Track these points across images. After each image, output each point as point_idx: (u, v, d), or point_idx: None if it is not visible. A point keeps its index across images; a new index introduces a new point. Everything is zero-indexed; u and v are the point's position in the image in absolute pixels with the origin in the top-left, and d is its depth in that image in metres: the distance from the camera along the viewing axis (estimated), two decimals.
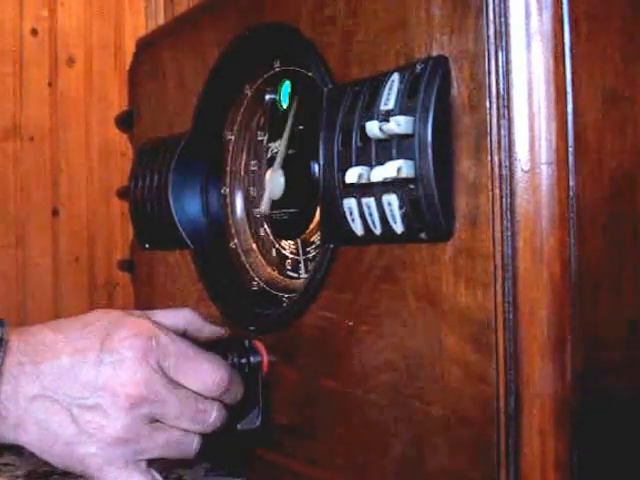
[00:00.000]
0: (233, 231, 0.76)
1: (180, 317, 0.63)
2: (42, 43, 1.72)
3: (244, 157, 0.76)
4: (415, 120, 0.49)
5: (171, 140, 0.78)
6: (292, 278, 0.69)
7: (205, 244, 0.76)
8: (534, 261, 0.46)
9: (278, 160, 0.68)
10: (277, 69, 0.70)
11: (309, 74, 0.64)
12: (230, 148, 0.76)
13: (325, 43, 0.59)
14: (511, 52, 0.46)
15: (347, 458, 0.58)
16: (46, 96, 1.72)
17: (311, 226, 0.66)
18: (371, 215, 0.53)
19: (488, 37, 0.47)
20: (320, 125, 0.57)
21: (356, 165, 0.53)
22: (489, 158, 0.47)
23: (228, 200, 0.76)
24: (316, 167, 0.62)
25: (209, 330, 0.64)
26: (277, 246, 0.71)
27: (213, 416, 0.58)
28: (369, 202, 0.52)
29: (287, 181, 0.68)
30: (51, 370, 0.55)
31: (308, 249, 0.67)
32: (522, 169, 0.46)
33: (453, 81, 0.49)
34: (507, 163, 0.46)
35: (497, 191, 0.47)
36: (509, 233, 0.46)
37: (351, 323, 0.57)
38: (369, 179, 0.52)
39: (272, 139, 0.71)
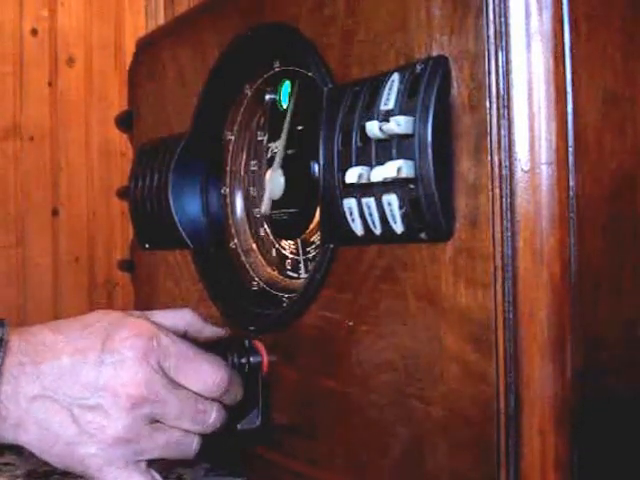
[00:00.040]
0: (233, 231, 0.76)
1: (180, 318, 0.63)
2: (42, 43, 1.72)
3: (244, 157, 0.76)
4: (415, 120, 0.49)
5: (171, 140, 0.78)
6: (292, 278, 0.69)
7: (205, 244, 0.76)
8: (534, 261, 0.46)
9: (277, 160, 0.68)
10: (277, 69, 0.70)
11: (309, 74, 0.64)
12: (230, 148, 0.76)
13: (325, 43, 0.59)
14: (511, 52, 0.46)
15: (347, 458, 0.58)
16: (46, 96, 1.72)
17: (311, 226, 0.66)
18: (371, 215, 0.53)
19: (488, 37, 0.47)
20: (320, 125, 0.57)
21: (356, 165, 0.53)
22: (489, 158, 0.47)
23: (228, 200, 0.76)
24: (316, 167, 0.62)
25: (209, 331, 0.64)
26: (277, 246, 0.71)
27: (213, 417, 0.59)
28: (369, 202, 0.52)
29: (287, 181, 0.68)
30: (51, 370, 0.55)
31: (308, 249, 0.67)
32: (522, 169, 0.46)
33: (453, 81, 0.49)
34: (507, 163, 0.46)
35: (497, 191, 0.47)
36: (509, 233, 0.46)
37: (351, 323, 0.57)
38: (369, 179, 0.52)
39: (272, 139, 0.71)
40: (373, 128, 0.51)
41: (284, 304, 0.67)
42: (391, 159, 0.50)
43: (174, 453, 0.58)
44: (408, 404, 0.52)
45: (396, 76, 0.52)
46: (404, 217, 0.50)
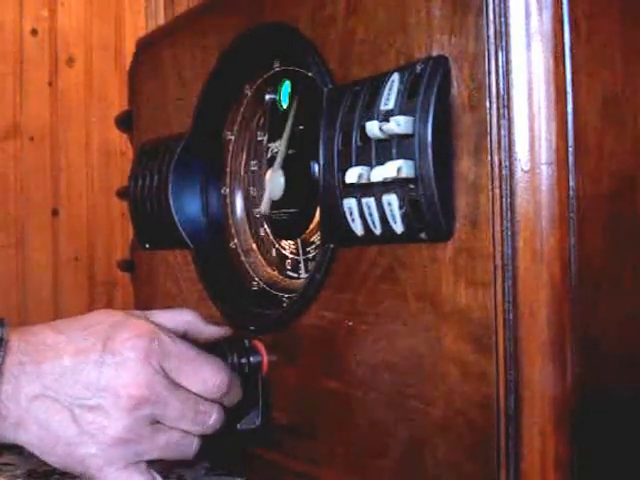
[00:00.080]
0: (233, 231, 0.76)
1: (180, 318, 0.63)
2: (42, 43, 1.72)
3: (244, 157, 0.76)
4: (415, 120, 0.49)
5: (171, 140, 0.78)
6: (292, 278, 0.69)
7: (205, 244, 0.76)
8: (534, 261, 0.46)
9: (278, 160, 0.68)
10: (277, 69, 0.70)
11: (309, 74, 0.64)
12: (230, 148, 0.76)
13: (325, 43, 0.59)
14: (511, 52, 0.46)
15: (347, 458, 0.58)
16: (46, 96, 1.72)
17: (311, 226, 0.66)
18: (371, 215, 0.53)
19: (488, 37, 0.47)
20: (320, 125, 0.57)
21: (356, 165, 0.53)
22: (489, 158, 0.47)
23: (228, 200, 0.76)
24: (316, 167, 0.62)
25: (210, 331, 0.64)
26: (277, 246, 0.71)
27: (213, 418, 0.59)
28: (369, 202, 0.52)
29: (287, 181, 0.68)
30: (52, 370, 0.55)
31: (308, 249, 0.67)
32: (522, 169, 0.46)
33: (453, 81, 0.49)
34: (507, 163, 0.46)
35: (497, 191, 0.47)
36: (509, 233, 0.46)
37: (351, 323, 0.57)
38: (369, 179, 0.52)
39: (272, 139, 0.71)
40: (373, 128, 0.51)
41: (284, 304, 0.67)
42: (391, 159, 0.50)
43: (174, 454, 0.58)
44: (408, 404, 0.52)
45: (396, 76, 0.52)
46: (404, 217, 0.50)
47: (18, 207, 1.68)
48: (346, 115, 0.55)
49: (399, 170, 0.49)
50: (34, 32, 1.71)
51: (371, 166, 0.52)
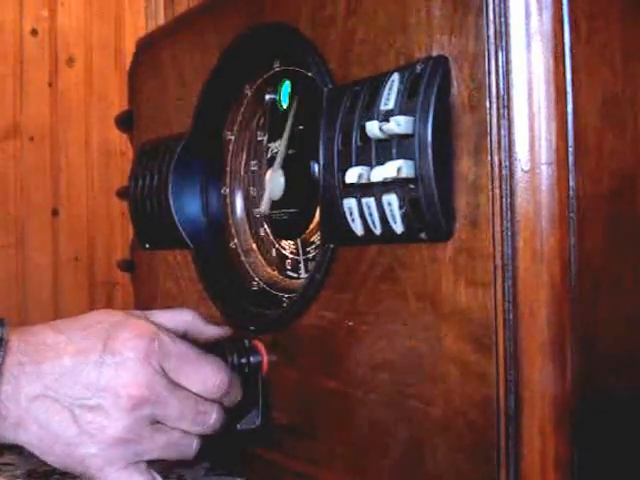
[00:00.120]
0: (233, 231, 0.76)
1: (180, 318, 0.63)
2: (42, 43, 1.72)
3: (244, 157, 0.76)
4: (415, 120, 0.49)
5: (171, 140, 0.78)
6: (292, 278, 0.69)
7: (205, 244, 0.76)
8: (534, 261, 0.46)
9: (278, 160, 0.68)
10: (277, 69, 0.70)
11: (309, 74, 0.64)
12: (230, 148, 0.76)
13: (325, 43, 0.59)
14: (511, 52, 0.46)
15: (347, 458, 0.58)
16: (46, 96, 1.72)
17: (311, 226, 0.66)
18: (371, 215, 0.53)
19: (488, 37, 0.47)
20: (320, 125, 0.57)
21: (356, 165, 0.53)
22: (489, 158, 0.47)
23: (228, 200, 0.76)
24: (316, 167, 0.62)
25: (210, 331, 0.64)
26: (277, 246, 0.71)
27: (213, 418, 0.59)
28: (369, 202, 0.52)
29: (287, 181, 0.68)
30: (52, 370, 0.55)
31: (308, 249, 0.67)
32: (522, 169, 0.46)
33: (453, 81, 0.49)
34: (507, 163, 0.46)
35: (497, 191, 0.47)
36: (509, 233, 0.46)
37: (351, 323, 0.57)
38: (369, 179, 0.52)
39: (272, 139, 0.71)
40: (373, 128, 0.51)
41: (284, 304, 0.67)
42: (391, 159, 0.50)
43: (174, 454, 0.58)
44: (408, 404, 0.52)
45: (396, 76, 0.52)
46: (404, 217, 0.50)
47: (18, 207, 1.68)
48: (346, 115, 0.55)
49: (399, 170, 0.49)
50: (34, 32, 1.71)
51: (371, 166, 0.52)
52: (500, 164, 0.46)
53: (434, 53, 0.50)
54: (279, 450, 0.64)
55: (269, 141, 0.72)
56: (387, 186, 0.51)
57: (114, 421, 0.55)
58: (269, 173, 0.69)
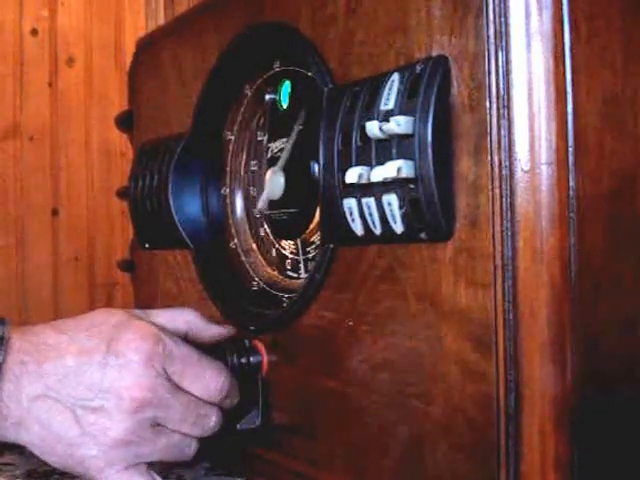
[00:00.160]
0: (233, 231, 0.76)
1: (181, 318, 0.63)
2: (42, 43, 1.72)
3: (244, 157, 0.76)
4: (415, 120, 0.49)
5: (171, 140, 0.78)
6: (292, 278, 0.69)
7: (205, 244, 0.76)
8: (534, 261, 0.46)
9: (281, 162, 0.68)
10: (277, 69, 0.70)
11: (309, 74, 0.64)
12: (230, 148, 0.76)
13: (325, 43, 0.59)
14: (511, 52, 0.46)
15: (347, 458, 0.58)
16: (46, 96, 1.72)
17: (311, 226, 0.66)
18: (371, 215, 0.53)
19: (488, 37, 0.47)
20: (320, 125, 0.57)
21: (356, 165, 0.53)
22: (489, 158, 0.47)
23: (228, 200, 0.76)
24: (316, 167, 0.62)
25: (211, 333, 0.64)
26: (277, 246, 0.71)
27: (213, 421, 0.59)
28: (369, 202, 0.52)
29: (287, 181, 0.68)
30: (55, 370, 0.55)
31: (308, 249, 0.67)
32: (522, 169, 0.46)
33: (453, 81, 0.49)
34: (507, 163, 0.46)
35: (497, 191, 0.47)
36: (509, 233, 0.46)
37: (351, 323, 0.57)
38: (369, 179, 0.52)
39: (272, 139, 0.71)
40: (373, 128, 0.51)
41: (284, 304, 0.67)
42: (391, 159, 0.50)
43: (173, 455, 0.58)
44: (408, 404, 0.52)
45: (396, 76, 0.52)
46: (404, 217, 0.50)
47: (18, 207, 1.68)
48: (346, 115, 0.55)
49: (399, 170, 0.49)
50: (34, 32, 1.71)
51: (371, 166, 0.52)
52: (500, 164, 0.46)
53: (434, 53, 0.50)
54: (279, 450, 0.64)
55: (269, 141, 0.72)
56: (387, 186, 0.51)
57: (116, 423, 0.55)
58: (269, 173, 0.69)
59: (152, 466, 0.58)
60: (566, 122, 0.46)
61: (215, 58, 0.73)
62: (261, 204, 0.70)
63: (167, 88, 0.81)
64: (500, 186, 0.46)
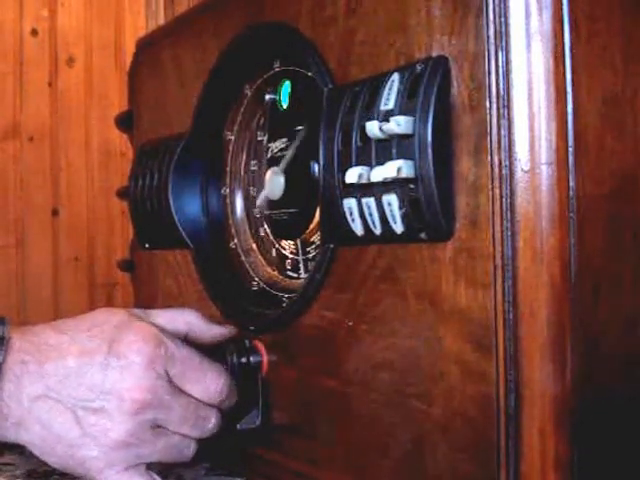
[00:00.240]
0: (233, 231, 0.76)
1: (182, 318, 0.63)
2: (42, 43, 1.72)
3: (244, 157, 0.76)
4: (415, 120, 0.49)
5: (171, 140, 0.78)
6: (292, 278, 0.69)
7: (205, 244, 0.76)
8: (534, 261, 0.46)
9: (282, 165, 0.68)
10: (277, 69, 0.70)
11: (309, 74, 0.64)
12: (230, 148, 0.76)
13: (325, 43, 0.59)
14: (511, 52, 0.46)
15: (347, 458, 0.58)
16: (46, 96, 1.72)
17: (311, 226, 0.66)
18: (371, 215, 0.53)
19: (488, 37, 0.47)
20: (320, 125, 0.57)
21: (356, 165, 0.53)
22: (489, 158, 0.47)
23: (228, 200, 0.76)
24: (316, 167, 0.62)
25: (212, 333, 0.64)
26: (277, 246, 0.71)
27: (212, 423, 0.59)
28: (369, 202, 0.52)
29: (287, 181, 0.68)
30: (56, 371, 0.55)
31: (308, 249, 0.67)
32: (522, 169, 0.46)
33: (453, 81, 0.49)
34: (507, 163, 0.46)
35: (497, 191, 0.47)
36: (509, 233, 0.46)
37: (351, 323, 0.57)
38: (369, 179, 0.52)
39: (272, 139, 0.71)
40: (373, 128, 0.51)
41: (284, 304, 0.67)
42: (391, 159, 0.50)
43: (172, 457, 0.58)
44: (408, 404, 0.52)
45: (396, 76, 0.52)
46: (404, 217, 0.50)
47: (18, 207, 1.68)
48: (346, 115, 0.55)
49: (399, 170, 0.49)
50: (34, 32, 1.71)
51: (371, 166, 0.52)
52: (500, 164, 0.46)
53: (434, 53, 0.50)
54: (279, 450, 0.64)
55: (269, 141, 0.72)
56: (387, 186, 0.51)
57: (117, 424, 0.55)
58: (269, 172, 0.69)
59: (152, 465, 0.58)
60: (566, 122, 0.46)
61: (215, 58, 0.73)
62: (259, 202, 0.70)
63: (167, 88, 0.81)
64: (500, 186, 0.46)
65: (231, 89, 0.75)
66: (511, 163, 0.46)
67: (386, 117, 0.50)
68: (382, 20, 0.54)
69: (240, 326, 0.68)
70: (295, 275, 0.69)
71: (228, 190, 0.76)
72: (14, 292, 1.67)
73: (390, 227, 0.52)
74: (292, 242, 0.69)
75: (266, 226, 0.73)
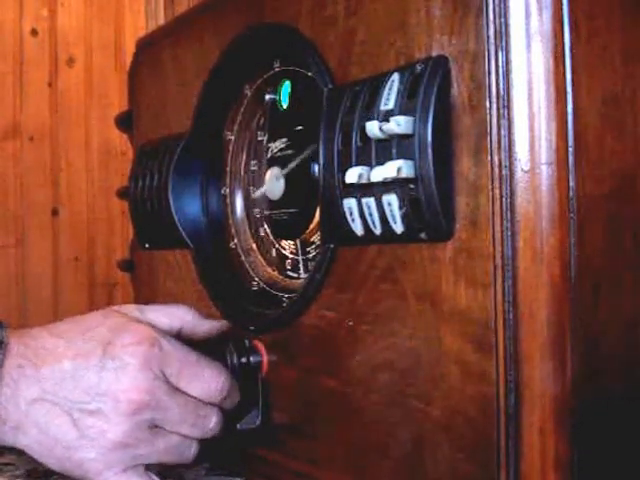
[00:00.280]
0: (233, 231, 0.76)
1: (176, 315, 0.62)
2: (42, 43, 1.72)
3: (244, 157, 0.76)
4: (415, 120, 0.49)
5: (171, 140, 0.78)
6: (292, 278, 0.69)
7: (205, 244, 0.76)
8: (534, 261, 0.46)
9: (286, 170, 0.68)
10: (277, 69, 0.70)
11: (309, 74, 0.64)
12: (230, 148, 0.76)
13: (325, 43, 0.59)
14: (511, 52, 0.46)
15: (347, 458, 0.58)
16: (46, 96, 1.72)
17: (311, 226, 0.66)
18: (371, 215, 0.53)
19: (488, 37, 0.47)
20: (320, 125, 0.57)
21: (356, 165, 0.53)
22: (489, 158, 0.47)
23: (228, 200, 0.76)
24: (316, 167, 0.62)
25: (205, 328, 0.64)
26: (277, 246, 0.71)
27: (213, 422, 0.59)
28: (369, 202, 0.52)
29: (287, 181, 0.68)
30: (52, 374, 0.55)
31: (308, 249, 0.67)
32: (522, 169, 0.46)
33: (453, 81, 0.49)
34: (507, 163, 0.46)
35: (497, 191, 0.47)
36: (509, 233, 0.46)
37: (351, 323, 0.57)
38: (369, 179, 0.52)
39: (272, 139, 0.71)
40: (373, 128, 0.51)
41: (284, 304, 0.67)
42: (391, 159, 0.50)
43: (173, 458, 0.58)
44: (408, 404, 0.52)
45: (396, 76, 0.52)
46: (404, 217, 0.50)
47: (18, 207, 1.68)
48: (346, 115, 0.55)
49: (399, 170, 0.49)
50: (34, 32, 1.71)
51: (371, 166, 0.52)
52: (500, 164, 0.46)
53: (434, 53, 0.50)
54: (279, 450, 0.64)
55: (269, 141, 0.72)
56: (387, 186, 0.51)
57: (114, 426, 0.55)
58: (270, 172, 0.69)
59: (152, 466, 0.58)
60: (566, 122, 0.46)
61: (215, 58, 0.73)
62: (257, 194, 0.70)
63: (167, 88, 0.81)
64: (500, 186, 0.46)
65: (231, 89, 0.75)
66: (511, 163, 0.46)
67: (386, 117, 0.50)
68: (382, 20, 0.54)
69: (240, 326, 0.68)
70: (295, 275, 0.69)
71: (228, 190, 0.76)
72: (14, 292, 1.67)
73: (390, 227, 0.52)
74: (292, 242, 0.69)
75: (266, 226, 0.73)
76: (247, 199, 0.75)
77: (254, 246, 0.74)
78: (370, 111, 0.53)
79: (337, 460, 0.59)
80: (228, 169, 0.76)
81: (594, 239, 0.47)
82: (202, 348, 0.61)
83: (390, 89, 0.52)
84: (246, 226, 0.75)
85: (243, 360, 0.64)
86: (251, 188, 0.75)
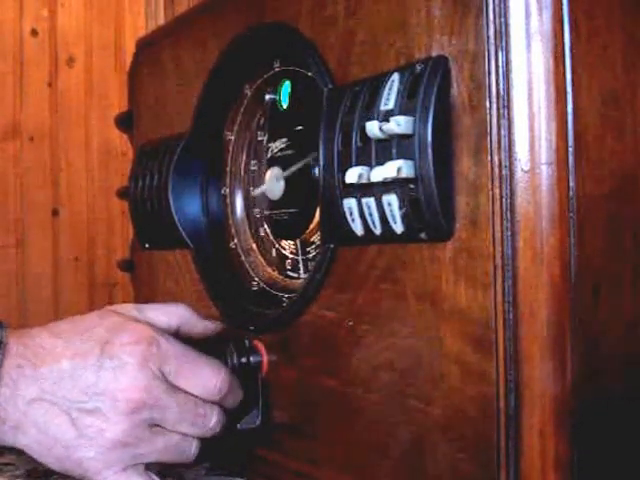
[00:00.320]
0: (233, 231, 0.76)
1: (173, 313, 0.62)
2: (42, 43, 1.72)
3: (244, 157, 0.76)
4: (415, 120, 0.49)
5: (171, 140, 0.78)
6: (292, 278, 0.69)
7: (205, 244, 0.76)
8: (534, 261, 0.46)
9: (287, 172, 0.68)
10: (277, 69, 0.70)
11: (309, 74, 0.64)
12: (230, 148, 0.76)
13: (325, 43, 0.59)
14: (511, 52, 0.46)
15: (347, 458, 0.58)
16: (46, 96, 1.72)
17: (311, 226, 0.66)
18: (371, 215, 0.53)
19: (488, 37, 0.47)
20: (320, 125, 0.57)
21: (356, 165, 0.53)
22: (489, 158, 0.47)
23: (228, 200, 0.76)
24: (316, 167, 0.62)
25: (202, 326, 0.64)
26: (277, 246, 0.71)
27: (213, 420, 0.59)
28: (369, 202, 0.52)
29: (287, 181, 0.68)
30: (51, 374, 0.55)
31: (308, 249, 0.67)
32: (522, 169, 0.46)
33: (453, 81, 0.49)
34: (507, 163, 0.46)
35: (497, 191, 0.47)
36: (509, 233, 0.46)
37: (351, 323, 0.57)
38: (369, 179, 0.52)
39: (272, 139, 0.71)
40: (373, 128, 0.51)
41: (284, 304, 0.67)
42: (391, 159, 0.50)
43: (173, 457, 0.58)
44: (408, 404, 0.52)
45: (396, 76, 0.52)
46: (404, 217, 0.50)
47: (18, 207, 1.68)
48: (346, 115, 0.55)
49: (399, 170, 0.49)
50: (34, 32, 1.71)
51: (371, 166, 0.52)
52: (500, 164, 0.46)
53: (434, 53, 0.50)
54: (279, 450, 0.64)
55: (269, 141, 0.72)
56: (387, 186, 0.51)
57: (112, 425, 0.55)
58: (271, 172, 0.69)
59: (152, 466, 0.58)
60: (566, 122, 0.46)
61: (215, 58, 0.73)
62: (257, 192, 0.70)
63: (167, 88, 0.81)
64: (500, 186, 0.46)
65: (231, 89, 0.75)
66: (511, 163, 0.46)
67: (386, 117, 0.50)
68: (382, 20, 0.54)
69: (240, 326, 0.68)
70: (295, 275, 0.69)
71: (228, 190, 0.76)
72: (14, 292, 1.67)
73: (390, 227, 0.52)
74: (292, 242, 0.69)
75: (266, 226, 0.73)
76: (247, 199, 0.75)
77: (254, 246, 0.74)
78: (370, 111, 0.53)
79: (337, 460, 0.59)
80: (228, 169, 0.76)
81: (594, 239, 0.47)
82: (202, 347, 0.61)
83: (390, 89, 0.52)
84: (246, 226, 0.75)
85: (243, 360, 0.64)
86: (251, 188, 0.75)
